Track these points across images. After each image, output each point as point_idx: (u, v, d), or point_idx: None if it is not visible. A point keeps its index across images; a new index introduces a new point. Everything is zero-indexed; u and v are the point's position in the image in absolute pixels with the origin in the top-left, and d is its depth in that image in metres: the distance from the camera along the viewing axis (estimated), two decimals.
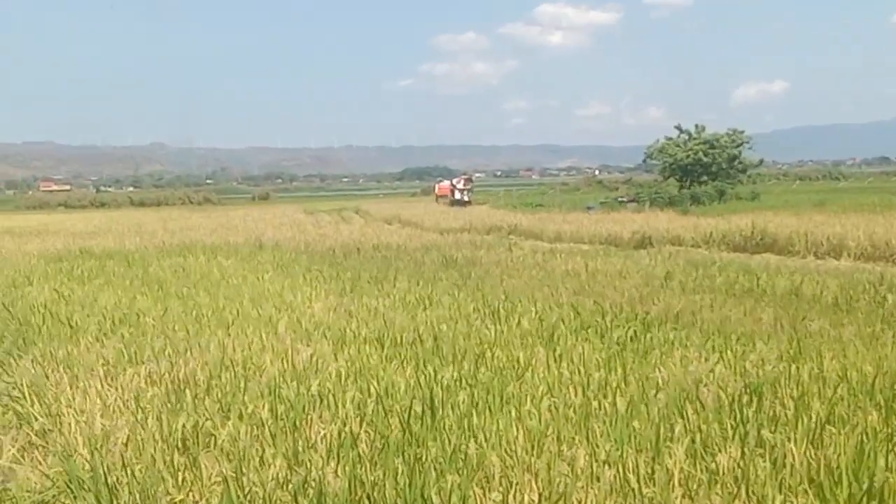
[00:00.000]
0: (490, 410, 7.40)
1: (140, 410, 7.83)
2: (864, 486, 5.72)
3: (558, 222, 37.81)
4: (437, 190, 74.48)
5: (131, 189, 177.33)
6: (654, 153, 63.07)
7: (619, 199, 56.97)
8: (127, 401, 8.16)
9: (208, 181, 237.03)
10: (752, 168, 64.73)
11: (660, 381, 8.24)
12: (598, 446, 6.55)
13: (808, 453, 6.26)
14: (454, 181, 74.13)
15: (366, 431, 7.03)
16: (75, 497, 6.28)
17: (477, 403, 7.59)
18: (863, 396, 7.64)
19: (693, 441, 6.59)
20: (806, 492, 5.80)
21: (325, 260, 23.41)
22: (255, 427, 7.22)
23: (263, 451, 6.72)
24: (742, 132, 61.33)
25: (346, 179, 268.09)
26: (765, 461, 6.21)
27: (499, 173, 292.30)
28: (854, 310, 12.98)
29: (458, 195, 69.41)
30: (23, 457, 7.13)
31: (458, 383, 8.33)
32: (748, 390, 7.82)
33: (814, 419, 6.93)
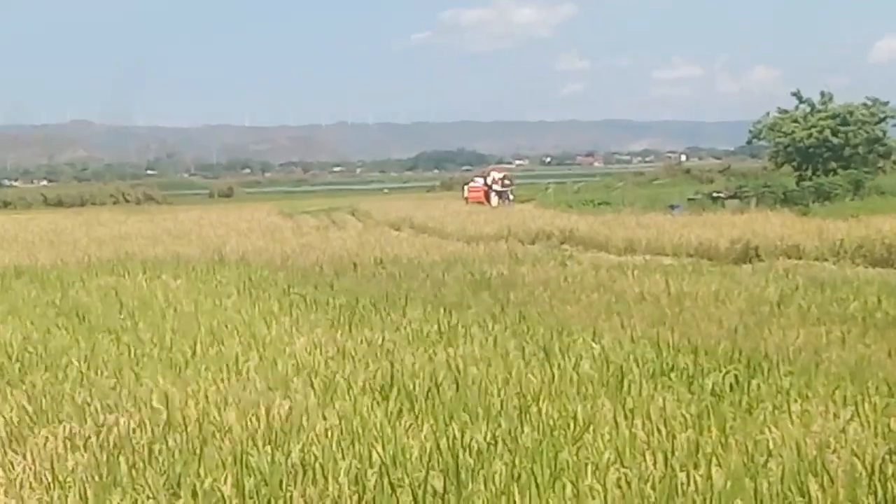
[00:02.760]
0: (537, 486, 7.39)
1: (58, 485, 7.86)
2: None
3: (630, 227, 37.69)
4: (466, 192, 74.23)
5: (45, 183, 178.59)
6: (762, 131, 62.85)
7: (715, 194, 56.80)
8: (40, 473, 8.19)
9: (150, 172, 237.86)
10: None
11: (771, 446, 8.19)
12: None
13: None
14: (488, 179, 73.86)
15: None
16: None
17: (518, 476, 7.57)
18: None
19: None
20: None
21: (309, 279, 23.47)
22: None
23: None
24: (886, 103, 61.06)
25: (337, 169, 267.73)
26: None
27: (548, 160, 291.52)
28: None
29: (495, 200, 69.11)
30: None
31: (492, 448, 8.31)
32: (895, 458, 7.77)
33: None
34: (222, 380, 11.28)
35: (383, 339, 13.98)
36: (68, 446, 8.87)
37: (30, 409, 10.31)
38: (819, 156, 59.89)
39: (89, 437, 9.02)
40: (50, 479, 8.00)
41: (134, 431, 9.16)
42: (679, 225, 36.92)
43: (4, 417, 9.99)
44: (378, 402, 10.16)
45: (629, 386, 10.55)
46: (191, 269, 25.96)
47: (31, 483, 7.99)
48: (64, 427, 9.38)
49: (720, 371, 11.13)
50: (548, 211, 54.00)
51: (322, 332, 14.81)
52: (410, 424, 9.22)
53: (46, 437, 9.11)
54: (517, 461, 7.88)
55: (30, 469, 8.27)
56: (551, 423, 9.12)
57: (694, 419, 9.09)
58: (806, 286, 19.79)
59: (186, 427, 9.23)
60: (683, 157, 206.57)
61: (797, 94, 62.34)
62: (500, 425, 9.06)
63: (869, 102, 61.04)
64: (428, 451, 8.25)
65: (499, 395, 10.21)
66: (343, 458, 8.12)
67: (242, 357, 12.83)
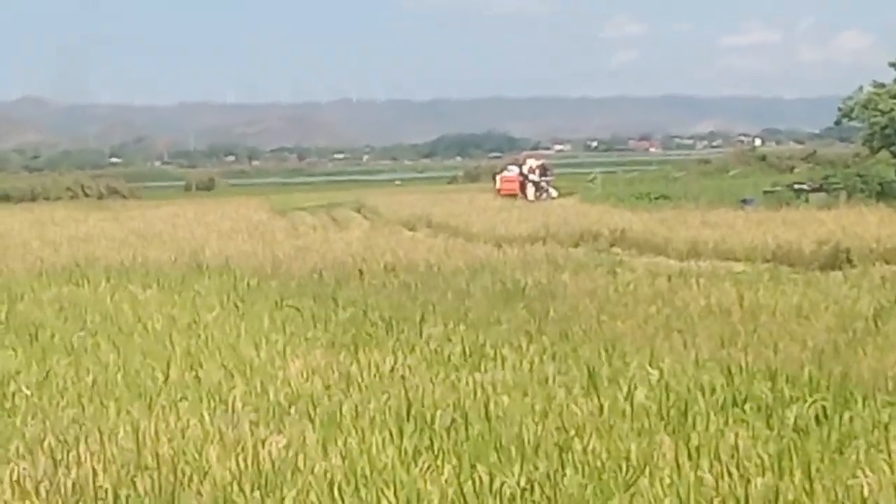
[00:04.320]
0: None
1: None
2: None
3: (694, 226, 37.60)
4: (499, 183, 74.69)
5: None
6: (854, 109, 62.66)
7: (797, 186, 56.69)
8: None
9: (114, 160, 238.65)
10: None
11: (866, 493, 8.17)
12: None
13: None
14: (524, 168, 74.18)
15: None
16: None
17: None
18: None
19: None
20: None
21: (306, 290, 23.48)
22: None
23: None
24: None
25: (340, 156, 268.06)
26: None
27: (594, 144, 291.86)
28: None
29: (531, 192, 69.46)
30: None
31: (527, 495, 8.30)
32: None
33: None
34: (202, 412, 11.29)
35: (395, 363, 13.98)
36: (16, 492, 8.89)
37: None
38: None
39: (42, 481, 9.05)
40: None
41: (96, 474, 9.18)
42: (753, 223, 36.83)
43: None
44: (390, 439, 10.17)
45: (694, 419, 10.53)
46: (163, 278, 26.01)
47: None
48: (12, 468, 9.40)
49: (804, 401, 11.10)
50: (594, 206, 53.92)
51: (322, 354, 14.82)
52: (429, 466, 9.22)
53: None
54: None
55: None
56: (599, 464, 9.11)
57: (773, 460, 9.07)
58: None
59: (159, 468, 9.24)
60: (758, 142, 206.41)
61: None
62: (536, 467, 9.06)
63: None
64: (450, 498, 8.26)
65: (535, 431, 10.21)
66: None
67: (226, 384, 12.86)
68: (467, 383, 12.57)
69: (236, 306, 20.70)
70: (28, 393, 12.70)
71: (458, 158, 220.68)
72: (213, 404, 11.86)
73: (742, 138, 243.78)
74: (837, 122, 68.63)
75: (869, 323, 17.04)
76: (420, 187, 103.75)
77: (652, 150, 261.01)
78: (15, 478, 9.16)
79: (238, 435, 10.30)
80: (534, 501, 8.16)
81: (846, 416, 10.55)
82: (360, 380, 13.03)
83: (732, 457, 9.16)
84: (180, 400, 12.06)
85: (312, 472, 9.04)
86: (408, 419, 10.82)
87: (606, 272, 26.13)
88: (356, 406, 11.50)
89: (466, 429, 10.41)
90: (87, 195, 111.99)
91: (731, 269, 27.71)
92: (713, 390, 11.82)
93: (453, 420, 10.67)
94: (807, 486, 8.35)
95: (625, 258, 31.46)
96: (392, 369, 13.63)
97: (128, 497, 8.60)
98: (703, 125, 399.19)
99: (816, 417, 10.55)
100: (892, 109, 59.98)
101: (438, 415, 10.91)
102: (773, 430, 10.18)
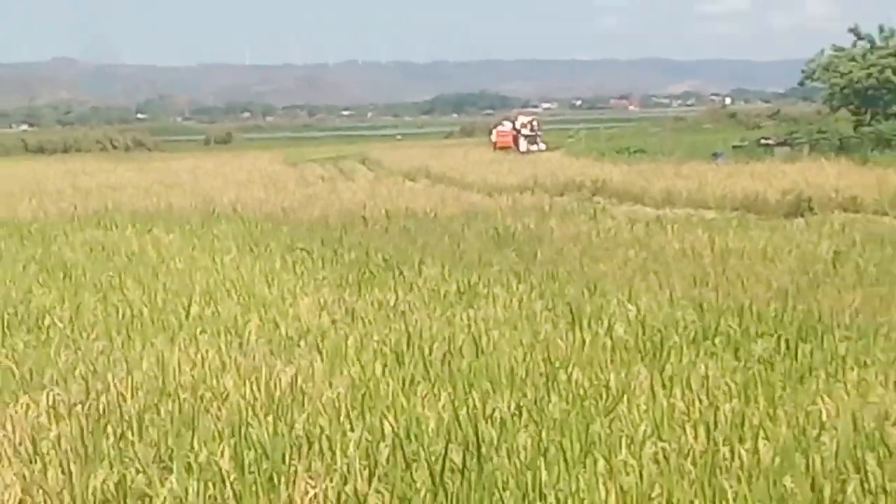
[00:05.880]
0: (566, 460, 7.39)
1: (39, 459, 7.89)
2: None
3: (669, 177, 37.57)
4: (494, 137, 75.07)
5: (25, 128, 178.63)
6: (816, 71, 62.41)
7: (763, 141, 56.57)
8: (19, 444, 8.22)
9: (140, 115, 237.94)
10: None
11: (824, 418, 8.18)
12: None
13: None
14: (517, 123, 74.77)
15: (378, 491, 7.04)
16: None
17: (546, 449, 7.58)
18: None
19: None
20: None
21: (315, 234, 23.49)
22: (210, 484, 7.25)
23: None
24: None
25: (346, 113, 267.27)
26: None
27: (579, 103, 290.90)
28: None
29: (524, 145, 70.06)
30: None
31: (516, 419, 8.32)
32: None
33: None
34: (221, 344, 11.31)
35: (396, 300, 14.00)
36: (51, 415, 8.90)
37: (13, 373, 10.37)
38: (879, 98, 59.31)
39: (75, 405, 9.06)
40: (31, 452, 8.03)
41: (124, 399, 9.19)
42: (723, 175, 36.82)
43: None
44: (391, 369, 10.18)
45: (668, 352, 10.55)
46: (185, 223, 26.01)
47: (9, 456, 8.01)
48: (47, 394, 9.40)
49: (769, 336, 11.13)
50: (578, 159, 53.92)
51: (329, 292, 14.84)
52: (426, 393, 9.23)
53: (27, 405, 9.15)
54: (544, 433, 7.89)
55: (9, 440, 8.30)
56: (581, 392, 9.13)
57: (739, 388, 9.09)
58: (864, 243, 19.74)
59: (180, 395, 9.26)
60: (728, 101, 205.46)
61: (855, 30, 61.75)
62: (525, 394, 9.08)
63: None
64: (446, 422, 8.27)
65: (524, 362, 10.23)
66: (352, 429, 8.14)
67: (241, 319, 12.87)
68: (462, 319, 12.60)
69: (251, 249, 20.71)
70: (61, 326, 12.73)
71: (455, 115, 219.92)
72: (229, 337, 11.89)
73: (714, 98, 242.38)
74: (801, 83, 68.42)
75: (828, 265, 17.08)
76: (419, 142, 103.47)
77: (631, 108, 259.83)
78: (50, 402, 9.17)
79: (252, 365, 10.32)
80: (522, 425, 8.17)
81: (807, 349, 10.58)
82: (363, 315, 13.07)
83: (703, 385, 9.18)
84: (200, 333, 12.08)
85: (320, 399, 9.05)
86: (407, 351, 10.84)
87: (589, 219, 26.16)
88: (360, 339, 11.53)
89: (460, 360, 10.43)
90: (115, 148, 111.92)
91: (703, 216, 27.74)
92: (686, 325, 11.86)
93: (448, 352, 10.69)
94: (770, 412, 8.38)
95: (606, 206, 31.46)
96: (393, 306, 13.66)
97: (151, 420, 8.62)
98: (679, 86, 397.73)
99: (780, 350, 10.57)
100: (850, 71, 59.70)
101: (435, 347, 10.93)
102: (740, 361, 10.22)
